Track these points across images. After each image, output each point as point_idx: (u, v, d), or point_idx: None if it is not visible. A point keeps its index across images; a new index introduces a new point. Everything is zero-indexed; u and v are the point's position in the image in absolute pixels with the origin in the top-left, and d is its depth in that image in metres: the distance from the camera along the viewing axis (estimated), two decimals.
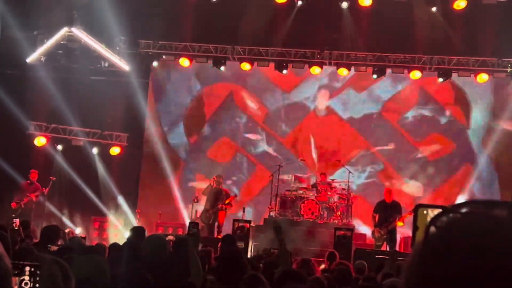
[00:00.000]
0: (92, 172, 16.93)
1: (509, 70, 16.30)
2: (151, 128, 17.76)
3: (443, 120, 17.21)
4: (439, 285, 0.88)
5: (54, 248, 5.38)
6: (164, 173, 17.34)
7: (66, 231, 12.81)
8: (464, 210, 0.94)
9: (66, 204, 16.49)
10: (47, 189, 14.94)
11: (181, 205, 16.97)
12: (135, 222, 15.86)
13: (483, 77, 16.27)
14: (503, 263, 0.85)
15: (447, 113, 17.19)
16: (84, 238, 13.97)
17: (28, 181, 14.80)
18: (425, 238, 0.93)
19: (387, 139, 17.32)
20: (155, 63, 17.60)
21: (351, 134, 17.46)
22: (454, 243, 0.90)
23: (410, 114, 17.30)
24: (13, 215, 13.81)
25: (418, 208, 1.24)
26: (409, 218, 15.18)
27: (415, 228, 1.20)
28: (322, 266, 8.66)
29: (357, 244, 13.62)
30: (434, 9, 15.89)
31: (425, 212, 1.34)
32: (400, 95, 17.41)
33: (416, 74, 16.48)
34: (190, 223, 5.87)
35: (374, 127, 17.42)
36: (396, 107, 17.39)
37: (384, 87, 17.40)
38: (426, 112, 17.24)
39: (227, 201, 14.76)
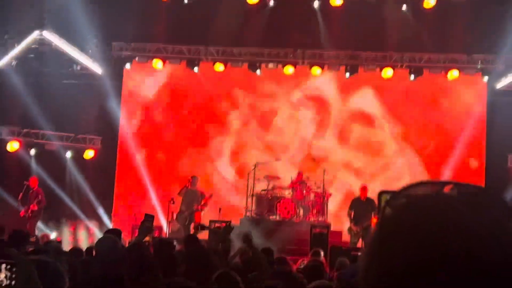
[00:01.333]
0: (66, 176, 16.82)
1: (479, 66, 16.49)
2: (125, 131, 17.68)
3: None
4: (394, 267, 0.89)
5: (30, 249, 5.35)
6: (140, 175, 17.31)
7: (41, 235, 12.72)
8: (417, 190, 0.95)
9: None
10: (21, 193, 14.78)
11: (157, 207, 16.87)
12: (110, 225, 15.78)
13: (453, 74, 16.45)
14: (455, 244, 0.87)
15: None
16: (59, 242, 13.93)
17: (31, 187, 14.66)
18: (381, 220, 0.95)
19: None
20: (127, 66, 17.50)
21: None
22: (408, 225, 0.90)
23: None
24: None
25: (381, 194, 1.25)
26: None
27: (379, 213, 1.20)
28: (302, 262, 8.68)
29: (333, 242, 13.69)
30: (404, 7, 16.06)
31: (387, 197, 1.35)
32: None
33: (388, 72, 16.60)
34: (145, 214, 5.91)
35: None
36: None
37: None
38: None
39: (202, 202, 14.74)
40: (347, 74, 16.90)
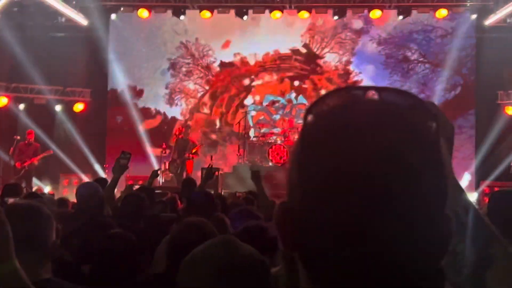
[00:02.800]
0: (57, 130, 16.78)
1: (468, 4, 16.35)
2: (114, 82, 17.60)
3: None
4: (314, 174, 0.88)
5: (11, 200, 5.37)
6: (132, 125, 17.34)
7: (34, 189, 12.77)
8: (339, 96, 0.94)
9: None
10: (12, 148, 14.75)
11: (151, 158, 16.92)
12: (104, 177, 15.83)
13: (442, 13, 16.32)
14: (373, 148, 0.86)
15: None
16: (52, 195, 13.99)
17: (26, 141, 14.58)
18: (302, 127, 0.93)
19: None
20: (113, 16, 17.27)
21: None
22: (327, 131, 0.90)
23: None
24: (16, 176, 13.84)
25: None
26: None
27: None
28: None
29: None
30: None
31: None
32: None
33: (376, 13, 16.46)
34: (122, 152, 5.88)
35: None
36: None
37: None
38: None
39: (193, 150, 14.77)
40: (336, 17, 16.76)
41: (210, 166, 6.85)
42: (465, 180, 15.53)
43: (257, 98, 17.63)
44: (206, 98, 17.74)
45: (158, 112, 17.63)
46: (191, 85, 17.76)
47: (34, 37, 16.41)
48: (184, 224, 3.23)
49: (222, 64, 17.73)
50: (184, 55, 17.73)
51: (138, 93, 17.74)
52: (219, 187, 13.77)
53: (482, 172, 15.55)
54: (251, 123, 17.21)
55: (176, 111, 17.64)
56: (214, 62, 17.74)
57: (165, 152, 15.64)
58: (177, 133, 15.17)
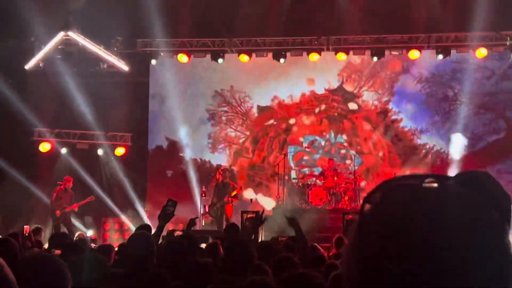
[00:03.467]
0: (98, 174, 16.98)
1: (508, 43, 16.20)
2: (155, 126, 17.84)
3: None
4: (373, 258, 0.89)
5: (58, 252, 5.42)
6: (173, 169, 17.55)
7: (77, 234, 12.87)
8: (397, 184, 0.95)
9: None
10: (54, 194, 14.93)
11: (193, 200, 17.00)
12: (146, 220, 15.92)
13: (482, 52, 16.19)
14: (432, 236, 0.87)
15: None
16: (94, 240, 14.12)
17: (63, 187, 14.82)
18: (360, 215, 0.94)
19: None
20: (153, 61, 17.58)
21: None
22: (387, 218, 0.90)
23: None
24: (57, 222, 14.06)
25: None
26: None
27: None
28: (332, 251, 8.66)
29: None
30: None
31: None
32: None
33: (414, 54, 16.42)
34: (168, 199, 5.97)
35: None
36: None
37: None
38: None
39: (233, 194, 14.78)
40: (375, 58, 16.76)
41: (260, 213, 6.78)
42: None
43: (297, 139, 17.62)
44: (248, 143, 17.81)
45: (204, 162, 17.68)
46: (232, 133, 17.88)
47: (76, 83, 16.76)
48: None
49: (260, 109, 17.83)
50: (221, 103, 17.88)
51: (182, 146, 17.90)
52: (260, 230, 13.68)
53: None
54: (292, 165, 17.18)
55: (221, 159, 17.68)
56: (251, 107, 17.84)
57: (204, 195, 15.69)
58: (217, 176, 15.24)
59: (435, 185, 0.92)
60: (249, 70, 17.57)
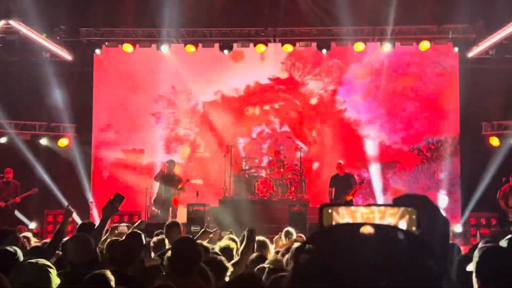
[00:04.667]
0: (41, 165, 16.63)
1: (450, 36, 16.50)
2: (99, 117, 17.58)
3: None
4: None
5: None
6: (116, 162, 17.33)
7: (17, 228, 12.58)
8: (333, 233, 0.96)
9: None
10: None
11: (136, 192, 16.83)
12: (94, 214, 15.89)
13: (425, 45, 16.47)
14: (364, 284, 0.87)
15: None
16: (36, 233, 13.85)
17: (4, 180, 14.43)
18: (294, 265, 0.96)
19: None
20: (97, 51, 17.29)
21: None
22: (320, 269, 0.92)
23: None
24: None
25: (322, 207, 1.25)
26: (359, 191, 15.52)
27: (321, 227, 1.21)
28: (281, 243, 8.64)
29: (312, 219, 13.75)
30: None
31: (329, 211, 1.36)
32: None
33: (359, 46, 16.58)
34: (116, 194, 5.87)
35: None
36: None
37: None
38: None
39: (180, 186, 14.71)
40: (324, 51, 16.84)
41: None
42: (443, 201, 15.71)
43: (246, 130, 17.61)
44: (199, 139, 17.69)
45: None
46: (182, 132, 17.71)
47: (18, 72, 16.39)
48: None
49: (205, 105, 17.73)
50: (165, 105, 17.69)
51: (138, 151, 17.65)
52: (205, 223, 13.67)
53: (468, 203, 15.63)
54: (243, 155, 17.20)
55: (177, 157, 17.43)
56: (197, 104, 17.73)
57: (150, 187, 15.58)
58: (162, 168, 15.14)
59: (371, 231, 0.94)
60: (189, 65, 17.44)
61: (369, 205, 1.19)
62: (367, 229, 0.96)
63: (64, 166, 16.84)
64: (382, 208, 1.44)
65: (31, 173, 15.96)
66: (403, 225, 1.48)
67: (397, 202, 1.07)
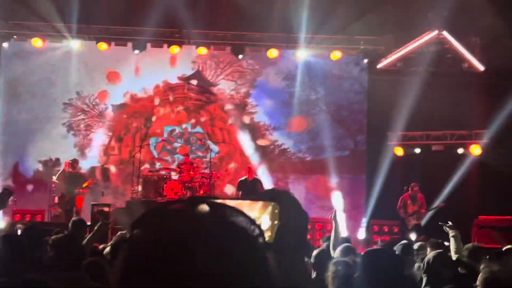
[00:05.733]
0: None
1: (361, 47, 16.93)
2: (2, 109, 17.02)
3: None
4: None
5: None
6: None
7: None
8: (170, 209, 0.96)
9: None
10: None
11: (39, 191, 16.39)
12: None
13: (336, 55, 16.84)
14: (186, 263, 0.90)
15: None
16: None
17: None
18: (128, 241, 0.96)
19: None
20: (5, 44, 16.71)
21: None
22: (149, 246, 0.94)
23: None
24: None
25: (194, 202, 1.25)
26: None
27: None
28: None
29: None
30: None
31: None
32: None
33: (273, 53, 16.82)
34: (3, 188, 5.69)
35: None
36: None
37: None
38: None
39: (84, 185, 14.40)
40: (240, 56, 16.91)
41: (103, 222, 6.55)
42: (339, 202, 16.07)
43: (157, 131, 17.45)
44: (113, 142, 17.37)
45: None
46: (95, 136, 17.33)
47: None
48: None
49: (115, 107, 17.45)
50: (74, 113, 17.30)
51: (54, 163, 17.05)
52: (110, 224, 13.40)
53: (373, 212, 16.07)
54: (155, 155, 17.02)
55: (92, 161, 17.07)
56: (106, 108, 17.43)
57: (54, 186, 15.16)
58: (65, 167, 14.78)
59: (206, 210, 0.95)
60: (93, 66, 17.15)
61: (236, 198, 1.20)
62: (203, 208, 0.96)
63: None
64: (248, 201, 1.45)
65: None
66: (266, 218, 1.49)
67: (262, 196, 1.09)
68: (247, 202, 1.41)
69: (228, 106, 17.57)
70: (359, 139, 17.48)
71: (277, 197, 1.04)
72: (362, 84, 17.45)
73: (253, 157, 17.23)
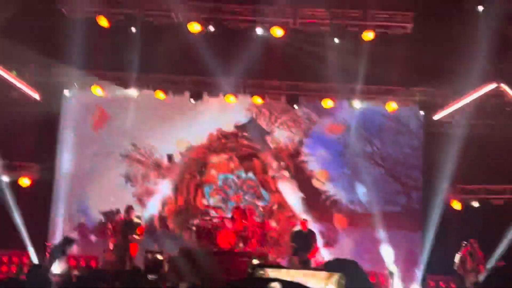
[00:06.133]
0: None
1: (417, 99, 16.75)
2: (62, 157, 17.35)
3: None
4: None
5: None
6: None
7: None
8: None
9: None
10: None
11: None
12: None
13: (392, 106, 16.69)
14: None
15: None
16: None
17: None
18: None
19: None
20: (66, 92, 17.16)
21: None
22: None
23: None
24: None
25: (254, 268, 1.23)
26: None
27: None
28: None
29: None
30: (343, 40, 15.97)
31: (261, 272, 1.35)
32: None
33: (328, 103, 16.74)
34: (65, 237, 5.78)
35: None
36: None
37: None
38: None
39: (138, 232, 14.48)
40: (295, 106, 16.95)
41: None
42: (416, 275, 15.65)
43: (212, 178, 17.53)
44: (169, 191, 17.53)
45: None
46: (152, 186, 17.56)
47: None
48: None
49: (169, 157, 17.66)
50: (131, 164, 17.61)
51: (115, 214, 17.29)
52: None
53: (429, 267, 15.67)
54: (209, 203, 17.09)
55: (151, 210, 17.29)
56: (161, 158, 17.66)
57: (110, 233, 15.31)
58: (122, 215, 14.94)
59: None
60: (150, 115, 17.44)
61: (302, 267, 1.16)
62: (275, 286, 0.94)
63: (23, 206, 16.45)
64: (312, 271, 1.42)
65: None
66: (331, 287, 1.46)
67: (328, 266, 1.07)
68: (312, 272, 1.39)
69: (281, 155, 17.53)
70: (413, 195, 17.15)
71: (344, 268, 1.00)
72: (419, 139, 17.21)
73: (304, 207, 17.06)
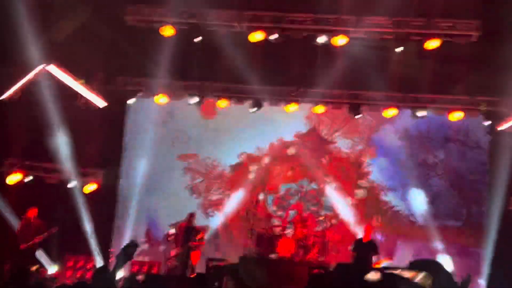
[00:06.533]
0: (67, 210, 16.65)
1: (483, 108, 16.39)
2: (127, 165, 17.68)
3: None
4: None
5: None
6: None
7: (33, 269, 12.49)
8: None
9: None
10: (19, 226, 14.55)
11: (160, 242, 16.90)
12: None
13: (456, 115, 16.38)
14: None
15: None
16: (54, 278, 13.79)
17: (27, 220, 14.30)
18: None
19: None
20: (131, 100, 17.50)
21: None
22: None
23: None
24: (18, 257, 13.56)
25: None
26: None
27: None
28: None
29: None
30: (406, 48, 15.80)
31: None
32: None
33: (389, 112, 16.54)
34: (131, 240, 5.87)
35: None
36: None
37: None
38: None
39: (198, 237, 14.61)
40: (357, 116, 16.86)
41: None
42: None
43: (274, 187, 17.61)
44: (231, 201, 17.72)
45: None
46: (215, 197, 17.78)
47: (53, 117, 16.58)
48: None
49: (232, 168, 17.87)
50: (193, 176, 17.85)
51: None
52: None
53: (490, 282, 15.34)
54: (272, 211, 17.10)
55: (215, 220, 17.59)
56: (223, 169, 17.87)
57: (171, 238, 15.50)
58: (186, 221, 15.12)
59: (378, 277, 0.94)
60: (213, 128, 17.78)
61: (386, 268, 1.17)
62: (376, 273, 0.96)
63: (89, 212, 16.83)
64: (399, 270, 1.43)
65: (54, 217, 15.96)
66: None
67: (413, 265, 1.07)
68: (398, 271, 1.39)
69: (342, 164, 17.45)
70: (474, 210, 16.77)
71: (428, 267, 1.00)
72: (485, 152, 16.84)
73: (369, 217, 16.91)
